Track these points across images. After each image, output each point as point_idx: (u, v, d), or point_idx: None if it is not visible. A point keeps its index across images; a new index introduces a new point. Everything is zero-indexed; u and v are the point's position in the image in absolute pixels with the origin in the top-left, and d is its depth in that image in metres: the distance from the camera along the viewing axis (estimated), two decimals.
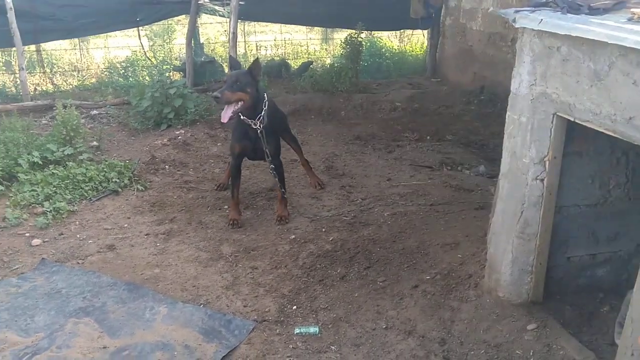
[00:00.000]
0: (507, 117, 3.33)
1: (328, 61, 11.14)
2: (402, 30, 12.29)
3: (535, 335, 3.18)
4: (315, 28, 12.90)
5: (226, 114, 4.58)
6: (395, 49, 11.79)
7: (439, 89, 9.50)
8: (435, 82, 10.11)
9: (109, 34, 11.76)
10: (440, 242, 4.34)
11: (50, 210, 5.07)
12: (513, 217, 3.31)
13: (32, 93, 8.76)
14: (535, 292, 3.39)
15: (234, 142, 5.11)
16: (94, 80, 10.10)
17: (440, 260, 4.10)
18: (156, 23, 11.00)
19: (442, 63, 10.53)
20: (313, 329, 3.55)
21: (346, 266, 4.24)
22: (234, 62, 5.34)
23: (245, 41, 11.93)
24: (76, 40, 11.37)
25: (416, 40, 12.32)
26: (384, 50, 11.39)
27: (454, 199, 5.30)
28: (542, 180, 3.13)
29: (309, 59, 11.20)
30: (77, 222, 5.03)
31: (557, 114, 2.94)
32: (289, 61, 11.01)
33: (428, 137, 7.45)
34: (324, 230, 4.81)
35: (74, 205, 5.27)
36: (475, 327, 3.39)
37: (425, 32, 11.23)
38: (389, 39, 12.34)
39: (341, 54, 9.89)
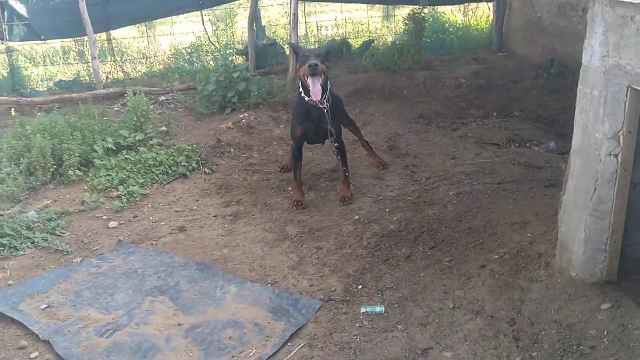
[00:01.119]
0: (578, 90, 3.18)
1: (390, 39, 10.97)
2: (466, 4, 11.91)
3: (610, 315, 3.06)
4: (376, 5, 12.72)
5: (316, 89, 4.63)
6: (459, 24, 11.45)
7: (505, 63, 9.18)
8: (501, 57, 9.77)
9: (174, 20, 12.07)
10: (508, 221, 4.24)
11: (125, 194, 5.31)
12: (585, 194, 3.18)
13: (104, 81, 9.14)
14: (609, 271, 3.25)
15: (295, 125, 5.14)
16: (161, 66, 10.40)
17: (509, 240, 4.00)
18: (218, 7, 11.18)
19: (509, 36, 10.14)
20: (379, 308, 3.57)
21: (411, 246, 4.21)
22: (296, 48, 5.45)
23: (305, 22, 11.93)
24: (144, 27, 11.74)
25: (481, 14, 11.91)
26: (447, 25, 11.08)
27: (523, 176, 5.14)
28: (616, 156, 2.98)
29: (370, 38, 11.07)
30: (150, 205, 5.24)
31: (632, 86, 2.79)
32: (349, 40, 10.93)
33: (494, 114, 7.24)
34: (387, 210, 4.79)
35: (146, 189, 5.49)
36: (546, 307, 3.30)
37: (491, 4, 10.81)
38: (452, 14, 11.99)
39: (403, 31, 9.70)
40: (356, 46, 10.71)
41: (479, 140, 6.36)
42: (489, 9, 11.23)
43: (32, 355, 3.27)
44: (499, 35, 10.27)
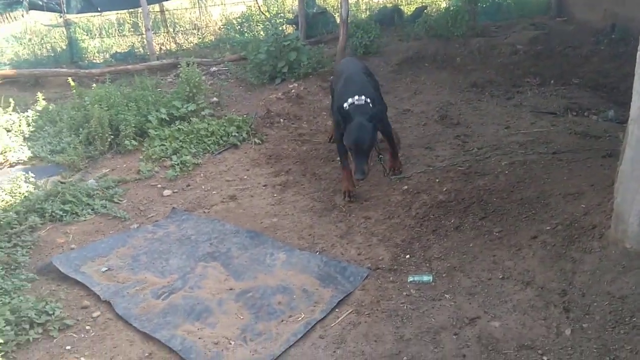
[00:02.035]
0: (637, 56, 3.04)
1: (443, 5, 10.71)
2: None
3: None
4: None
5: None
6: None
7: (564, 28, 8.82)
8: (560, 22, 9.39)
9: None
10: (562, 192, 4.12)
11: (178, 164, 5.45)
12: None
13: (157, 52, 9.32)
14: None
15: (337, 125, 4.72)
16: (212, 37, 10.51)
17: (562, 211, 3.90)
18: None
19: (568, 0, 9.71)
20: (427, 278, 3.57)
21: (460, 216, 4.17)
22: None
23: None
24: None
25: None
26: None
27: (579, 146, 4.98)
28: None
29: (423, 4, 10.83)
30: (202, 174, 5.37)
31: None
32: (401, 7, 10.72)
33: (551, 81, 6.99)
34: (437, 180, 4.75)
35: (198, 159, 5.62)
36: (598, 278, 3.22)
37: None
38: None
39: None
40: (408, 13, 10.50)
41: (534, 108, 6.18)
42: None
43: (95, 315, 3.45)
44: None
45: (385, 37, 8.83)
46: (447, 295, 3.41)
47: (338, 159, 4.88)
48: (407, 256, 3.84)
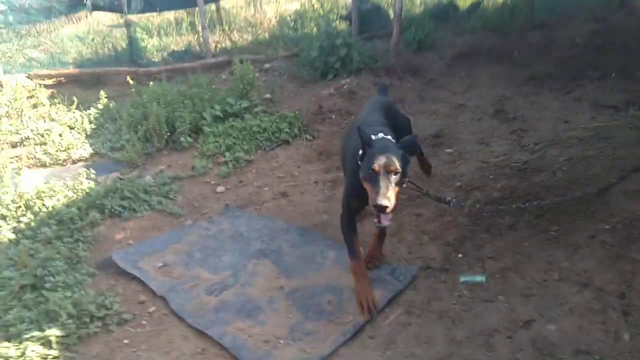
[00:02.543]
0: None
1: None
2: None
3: None
4: None
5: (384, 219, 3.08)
6: None
7: (627, 21, 8.41)
8: (623, 14, 8.97)
9: None
10: (622, 189, 3.95)
11: (231, 160, 5.55)
12: None
13: (213, 50, 9.49)
14: None
15: (352, 193, 3.48)
16: (266, 34, 10.62)
17: (622, 209, 3.73)
18: None
19: None
20: (479, 278, 3.50)
21: (515, 215, 4.06)
22: (366, 139, 3.24)
23: None
24: None
25: None
26: None
27: None
28: None
29: None
30: (254, 171, 5.44)
31: None
32: (456, 2, 10.51)
33: (613, 75, 6.69)
34: (491, 177, 4.64)
35: (250, 155, 5.70)
36: None
37: None
38: None
39: None
40: (464, 7, 10.28)
41: (594, 103, 5.94)
42: None
43: (150, 310, 3.56)
44: None
45: (439, 31, 8.69)
46: (500, 297, 3.33)
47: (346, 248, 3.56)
48: (459, 255, 3.77)
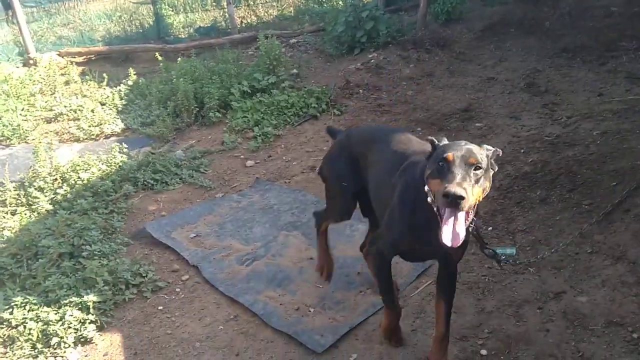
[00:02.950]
0: None
1: None
2: None
3: None
4: None
5: (454, 230, 2.15)
6: None
7: None
8: None
9: None
10: None
11: (260, 135, 5.58)
12: None
13: (239, 26, 9.48)
14: None
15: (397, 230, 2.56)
16: (292, 9, 10.54)
17: None
18: None
19: None
20: (510, 250, 3.45)
21: (547, 188, 4.02)
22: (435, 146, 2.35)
23: None
24: None
25: None
26: None
27: None
28: None
29: None
30: (282, 146, 5.47)
31: None
32: None
33: None
34: (522, 151, 4.59)
35: (279, 130, 5.72)
36: None
37: None
38: None
39: None
40: None
41: (630, 74, 5.78)
42: None
43: (184, 278, 3.65)
44: None
45: (468, 2, 8.51)
46: (530, 269, 3.33)
47: (379, 290, 2.94)
48: (490, 228, 3.76)
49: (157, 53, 7.34)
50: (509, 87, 6.06)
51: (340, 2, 9.65)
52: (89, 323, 3.22)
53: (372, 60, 7.12)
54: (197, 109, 6.14)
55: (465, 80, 6.44)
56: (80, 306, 3.28)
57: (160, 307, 3.40)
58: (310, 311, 3.23)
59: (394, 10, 9.03)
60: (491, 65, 6.81)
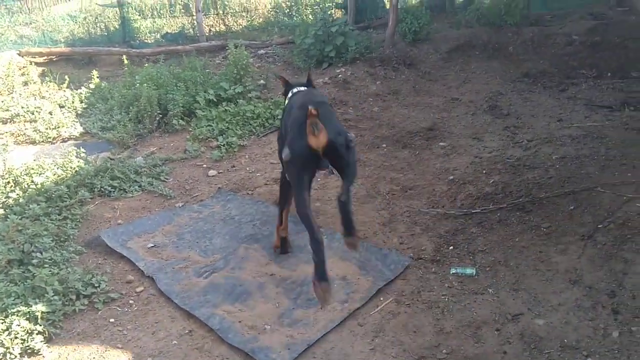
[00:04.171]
0: None
1: None
2: None
3: None
4: None
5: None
6: None
7: (625, 19, 8.43)
8: (621, 12, 8.97)
9: None
10: (616, 190, 3.97)
11: (224, 144, 5.50)
12: None
13: (207, 34, 9.40)
14: None
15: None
16: (261, 20, 10.52)
17: (615, 209, 3.76)
18: None
19: None
20: (470, 270, 3.50)
21: (507, 210, 4.07)
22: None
23: None
24: None
25: None
26: None
27: (636, 142, 4.77)
28: None
29: None
30: (247, 156, 5.40)
31: None
32: None
33: (609, 74, 6.73)
34: (484, 172, 4.64)
35: (243, 140, 5.66)
36: None
37: None
38: None
39: None
40: (460, 0, 10.26)
41: (589, 102, 5.96)
42: None
43: (138, 289, 3.53)
44: None
45: (435, 23, 8.66)
46: (490, 290, 3.34)
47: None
48: (451, 248, 3.78)
49: (124, 56, 7.20)
50: (472, 108, 6.16)
51: (310, 17, 9.68)
52: (37, 334, 3.08)
53: (340, 75, 7.15)
54: (161, 115, 6.03)
55: (431, 99, 6.52)
56: (28, 316, 3.14)
57: (112, 320, 3.28)
58: (267, 328, 3.16)
59: (363, 27, 9.11)
60: (456, 86, 6.92)
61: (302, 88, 3.83)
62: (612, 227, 3.60)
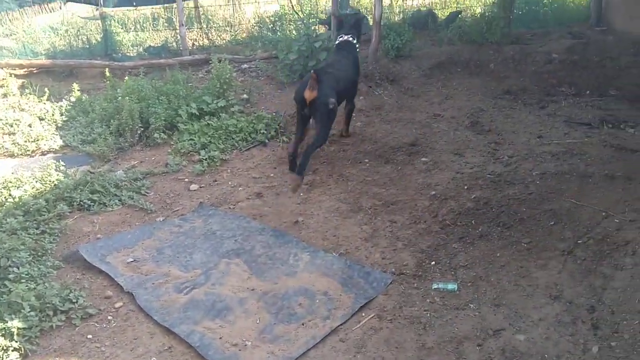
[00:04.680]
0: None
1: (478, 10, 10.56)
2: None
3: None
4: None
5: None
6: None
7: (603, 38, 8.59)
8: (599, 31, 9.15)
9: None
10: (595, 206, 4.02)
11: (206, 159, 5.47)
12: None
13: (190, 48, 9.38)
14: None
15: None
16: (245, 35, 10.54)
17: (594, 225, 3.80)
18: None
19: (609, 9, 9.48)
20: (451, 286, 3.51)
21: (488, 225, 4.10)
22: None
23: None
24: None
25: None
26: None
27: (614, 159, 4.84)
28: None
29: (458, 9, 10.69)
30: (229, 170, 5.38)
31: None
32: (436, 11, 10.61)
33: (587, 92, 6.84)
34: (466, 187, 4.67)
35: (226, 154, 5.63)
36: (629, 296, 3.13)
37: None
38: None
39: (493, 2, 9.32)
40: (442, 17, 10.38)
41: (568, 119, 6.05)
42: None
43: (117, 305, 3.47)
44: (597, 8, 9.63)
45: (418, 40, 8.73)
46: (471, 305, 3.35)
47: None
48: (432, 263, 3.78)
49: (106, 69, 7.14)
50: (454, 124, 6.21)
51: (294, 32, 9.72)
52: (12, 350, 3.01)
53: None
54: (142, 129, 5.98)
55: (413, 115, 6.56)
56: (3, 332, 3.07)
57: (89, 336, 3.21)
58: (248, 344, 3.12)
59: None
60: (438, 102, 6.97)
61: (346, 37, 5.80)
62: (592, 242, 3.64)
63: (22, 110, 6.71)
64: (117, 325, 3.31)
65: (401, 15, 10.76)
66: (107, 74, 6.82)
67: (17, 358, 2.99)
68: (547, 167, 4.82)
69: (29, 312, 3.21)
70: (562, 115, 6.16)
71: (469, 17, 10.00)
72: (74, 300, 3.41)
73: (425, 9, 10.82)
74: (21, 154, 5.75)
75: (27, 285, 3.43)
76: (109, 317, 3.37)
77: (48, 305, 3.31)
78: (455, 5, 11.26)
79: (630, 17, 8.73)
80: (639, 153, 4.97)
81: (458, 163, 5.20)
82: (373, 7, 8.39)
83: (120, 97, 6.21)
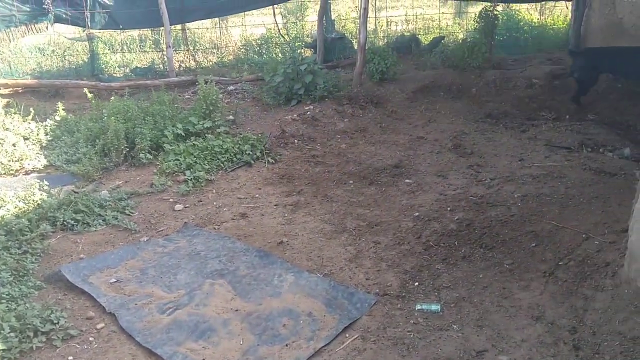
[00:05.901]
0: None
1: (460, 36, 10.80)
2: (543, 2, 11.52)
3: None
4: (449, 2, 12.53)
5: None
6: (535, 22, 11.11)
7: None
8: None
9: (245, 12, 12.25)
10: (575, 227, 4.09)
11: (191, 179, 5.48)
12: None
13: (177, 69, 9.43)
14: None
15: None
16: (231, 57, 10.62)
17: (575, 246, 3.86)
18: (290, 0, 11.29)
19: (587, 37, 9.70)
20: (435, 307, 3.53)
21: (471, 246, 4.14)
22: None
23: (376, 17, 11.88)
24: (217, 19, 12.00)
25: (559, 13, 11.53)
26: (522, 23, 10.77)
27: (594, 182, 4.94)
28: None
29: (441, 34, 10.91)
30: (214, 191, 5.38)
31: None
32: (419, 36, 10.80)
33: (567, 116, 7.00)
34: (449, 209, 4.73)
35: (211, 175, 5.64)
36: (610, 317, 3.17)
37: (569, 3, 10.41)
38: (528, 12, 11.65)
39: (475, 28, 9.52)
40: (426, 42, 10.57)
41: (549, 142, 6.17)
42: (568, 8, 10.83)
43: (99, 326, 3.44)
44: (576, 35, 9.84)
45: (401, 64, 8.88)
46: (454, 326, 3.37)
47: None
48: (416, 284, 3.80)
49: (87, 90, 7.14)
50: (437, 147, 6.29)
51: (280, 55, 9.82)
52: None
53: (309, 112, 7.24)
54: (128, 149, 5.98)
55: (397, 137, 6.64)
56: None
57: (70, 358, 3.17)
58: None
59: (332, 66, 9.28)
60: (421, 125, 7.08)
61: None
62: (572, 264, 3.69)
63: (6, 129, 6.66)
64: (99, 347, 3.27)
65: (385, 39, 10.95)
66: (89, 94, 6.81)
67: None
68: (528, 190, 4.89)
69: (9, 333, 3.16)
70: (543, 139, 6.28)
71: (452, 42, 10.21)
72: (55, 321, 3.37)
73: (409, 34, 11.01)
74: (4, 173, 5.71)
75: (7, 306, 3.39)
76: (91, 338, 3.33)
77: (28, 326, 3.27)
78: (438, 30, 11.48)
79: (607, 45, 8.95)
80: (617, 176, 5.08)
81: (441, 185, 5.27)
82: (358, 32, 8.54)
83: (105, 117, 6.21)
